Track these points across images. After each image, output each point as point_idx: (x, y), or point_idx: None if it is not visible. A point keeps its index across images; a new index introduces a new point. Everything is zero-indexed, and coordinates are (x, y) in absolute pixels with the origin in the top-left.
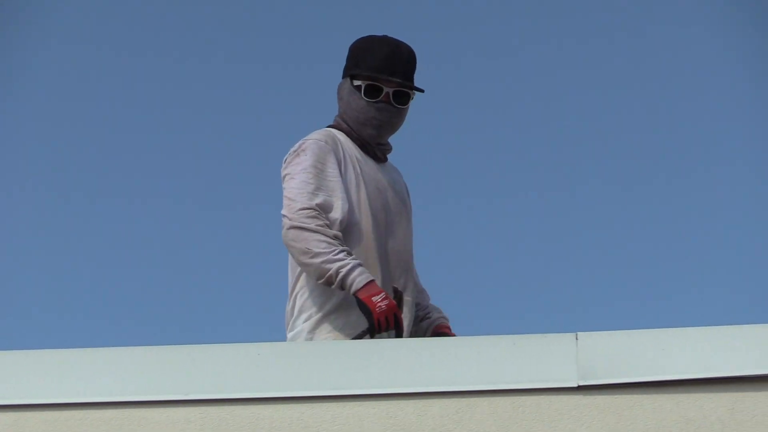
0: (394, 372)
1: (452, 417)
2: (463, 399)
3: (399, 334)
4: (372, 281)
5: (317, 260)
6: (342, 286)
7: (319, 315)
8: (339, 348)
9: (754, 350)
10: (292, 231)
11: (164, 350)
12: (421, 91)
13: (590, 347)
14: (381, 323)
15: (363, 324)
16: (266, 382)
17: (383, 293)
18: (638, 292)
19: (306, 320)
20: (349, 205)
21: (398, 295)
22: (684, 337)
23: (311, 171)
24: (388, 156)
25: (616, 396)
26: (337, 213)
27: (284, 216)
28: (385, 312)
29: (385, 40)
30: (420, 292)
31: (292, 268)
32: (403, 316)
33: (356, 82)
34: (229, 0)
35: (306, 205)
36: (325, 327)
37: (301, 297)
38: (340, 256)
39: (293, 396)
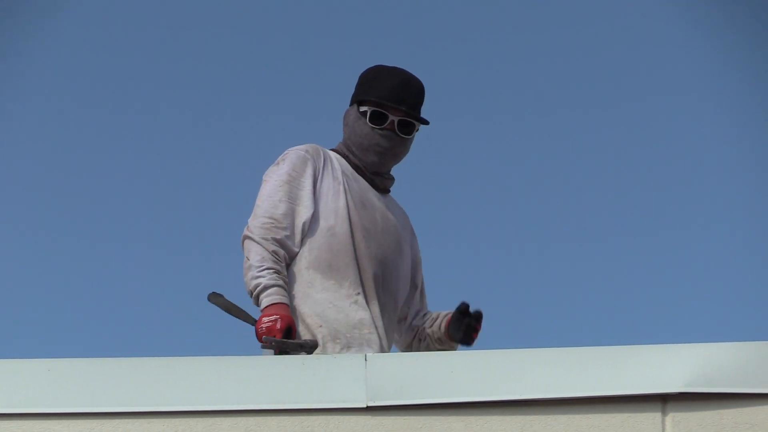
0: (184, 390)
1: None
2: (252, 417)
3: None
4: (273, 304)
5: (249, 272)
6: (257, 303)
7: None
8: (131, 365)
9: (544, 373)
10: (245, 240)
11: None
12: (426, 123)
13: (379, 368)
14: (259, 337)
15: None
16: (57, 398)
17: (275, 315)
18: None
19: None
20: (325, 210)
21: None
22: (473, 360)
23: (283, 179)
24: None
25: (405, 417)
26: (299, 219)
27: (247, 224)
28: (264, 333)
29: (395, 70)
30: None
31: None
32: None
33: (362, 108)
34: (230, 2)
35: (267, 214)
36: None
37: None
38: (264, 273)
39: (84, 412)
